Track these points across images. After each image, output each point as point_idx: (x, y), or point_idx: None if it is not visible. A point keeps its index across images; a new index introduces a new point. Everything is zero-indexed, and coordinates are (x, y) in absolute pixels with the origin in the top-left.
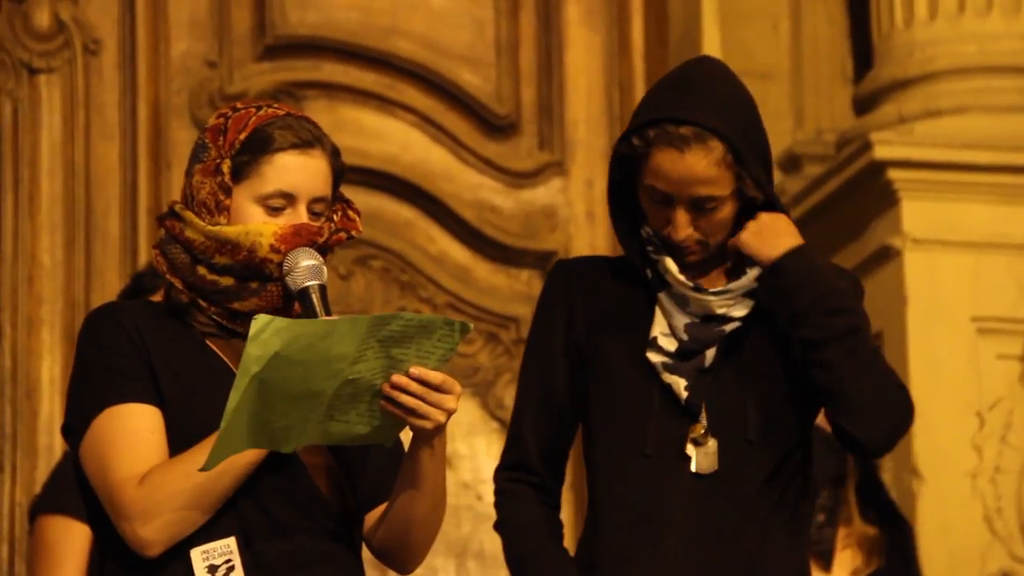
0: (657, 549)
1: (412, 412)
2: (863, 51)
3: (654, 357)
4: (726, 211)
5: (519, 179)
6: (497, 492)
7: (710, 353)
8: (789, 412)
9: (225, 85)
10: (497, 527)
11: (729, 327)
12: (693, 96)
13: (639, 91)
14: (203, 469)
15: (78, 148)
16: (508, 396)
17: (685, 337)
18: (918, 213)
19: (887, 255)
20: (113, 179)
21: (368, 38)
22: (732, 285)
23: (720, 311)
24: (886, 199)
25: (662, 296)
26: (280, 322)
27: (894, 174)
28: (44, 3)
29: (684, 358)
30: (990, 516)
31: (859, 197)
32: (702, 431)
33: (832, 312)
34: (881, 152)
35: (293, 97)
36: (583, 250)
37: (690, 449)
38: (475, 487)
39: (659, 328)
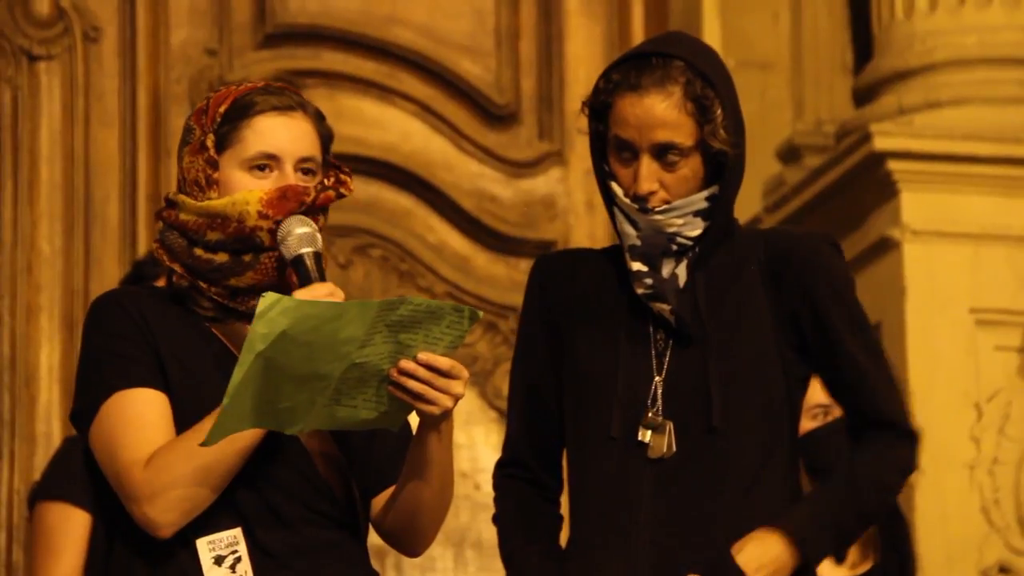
0: (623, 535)
1: (419, 397)
2: (863, 42)
3: (639, 288)
4: (690, 165)
5: (519, 168)
6: (493, 488)
7: (681, 272)
8: (764, 388)
9: (225, 73)
10: (495, 523)
11: (681, 240)
12: (662, 41)
13: None
14: (204, 444)
15: (78, 135)
16: (506, 385)
17: (638, 243)
18: (917, 204)
19: (886, 246)
20: (113, 167)
21: (368, 27)
22: (678, 203)
23: (670, 230)
24: (885, 190)
25: (618, 221)
26: (288, 301)
27: (893, 165)
28: None
29: (652, 268)
30: (988, 508)
31: (858, 188)
32: (654, 415)
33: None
34: (881, 143)
35: (293, 85)
36: (582, 240)
37: (644, 434)
38: (473, 476)
39: (627, 256)
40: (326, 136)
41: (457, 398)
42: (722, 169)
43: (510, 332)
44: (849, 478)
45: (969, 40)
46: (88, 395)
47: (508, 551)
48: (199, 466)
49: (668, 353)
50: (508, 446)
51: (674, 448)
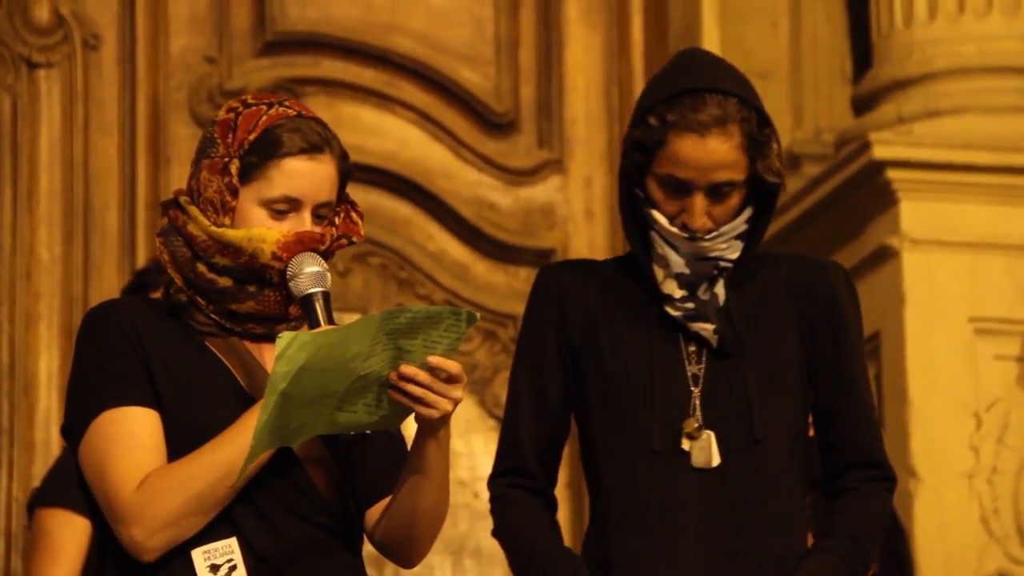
0: (673, 548)
1: (419, 401)
2: (862, 51)
3: (672, 311)
4: (738, 195)
5: (518, 177)
6: (495, 498)
7: (720, 291)
8: (792, 403)
9: (224, 81)
10: (498, 533)
11: (723, 263)
12: (711, 70)
13: (638, 89)
14: (234, 486)
15: (77, 143)
16: (505, 394)
17: (687, 271)
18: (916, 213)
19: (885, 255)
20: (112, 174)
21: (368, 35)
22: (724, 228)
23: (713, 254)
24: (884, 199)
25: (658, 246)
26: (304, 336)
27: (893, 174)
28: None
29: (692, 292)
30: (987, 517)
31: (858, 197)
32: (696, 425)
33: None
34: (880, 152)
35: (292, 93)
36: (581, 248)
37: (686, 444)
38: (472, 485)
39: (660, 277)
40: (346, 174)
41: (456, 402)
42: (757, 189)
43: (509, 340)
44: (850, 546)
45: (968, 49)
46: (78, 411)
47: (528, 555)
48: (192, 495)
49: (703, 366)
50: (509, 456)
51: (719, 459)
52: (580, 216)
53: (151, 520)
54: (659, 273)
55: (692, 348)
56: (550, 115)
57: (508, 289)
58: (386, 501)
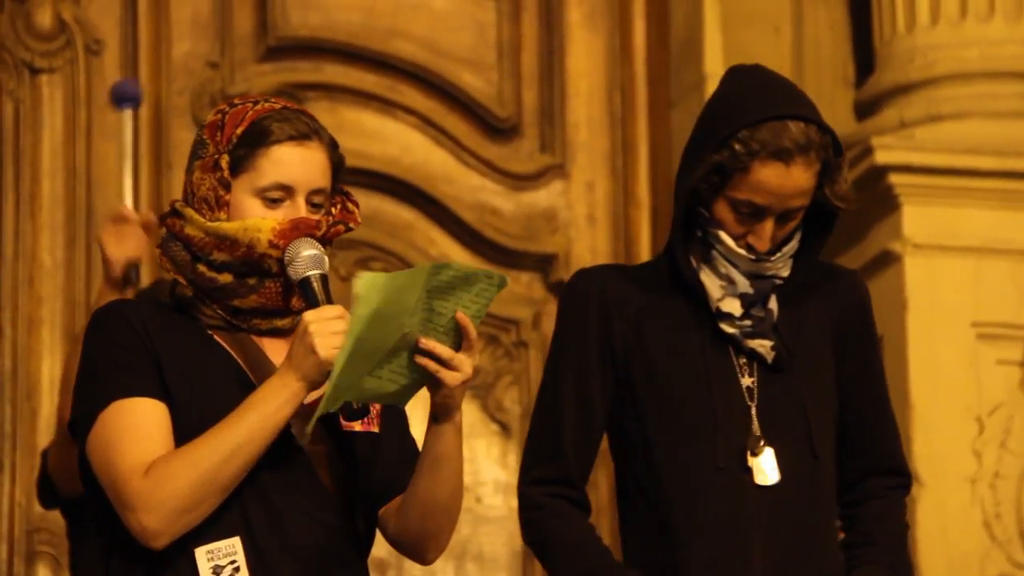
0: (743, 562)
1: (447, 364)
2: (864, 56)
3: (729, 328)
4: (800, 218)
5: (520, 182)
6: (535, 507)
7: (774, 307)
8: (834, 415)
9: (227, 86)
10: (539, 543)
11: (777, 281)
12: (787, 94)
13: (640, 94)
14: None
15: (79, 148)
16: (508, 399)
17: (751, 291)
18: (919, 218)
19: (887, 260)
20: (114, 180)
21: (369, 40)
22: (785, 249)
23: (770, 272)
24: (887, 204)
25: (718, 264)
26: (380, 277)
27: (895, 179)
28: (46, 3)
29: (749, 310)
30: (989, 522)
31: (860, 201)
32: (759, 442)
33: None
34: (882, 157)
35: (294, 99)
36: (583, 253)
37: (750, 460)
38: (475, 489)
39: (716, 295)
40: (338, 163)
41: (475, 370)
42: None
43: (511, 345)
44: (897, 556)
45: (970, 54)
46: (86, 404)
47: (583, 569)
48: (199, 478)
49: (756, 380)
50: (552, 465)
51: (779, 475)
52: (582, 221)
53: (159, 506)
54: (716, 291)
55: (743, 361)
56: (552, 120)
57: (510, 294)
58: (399, 499)
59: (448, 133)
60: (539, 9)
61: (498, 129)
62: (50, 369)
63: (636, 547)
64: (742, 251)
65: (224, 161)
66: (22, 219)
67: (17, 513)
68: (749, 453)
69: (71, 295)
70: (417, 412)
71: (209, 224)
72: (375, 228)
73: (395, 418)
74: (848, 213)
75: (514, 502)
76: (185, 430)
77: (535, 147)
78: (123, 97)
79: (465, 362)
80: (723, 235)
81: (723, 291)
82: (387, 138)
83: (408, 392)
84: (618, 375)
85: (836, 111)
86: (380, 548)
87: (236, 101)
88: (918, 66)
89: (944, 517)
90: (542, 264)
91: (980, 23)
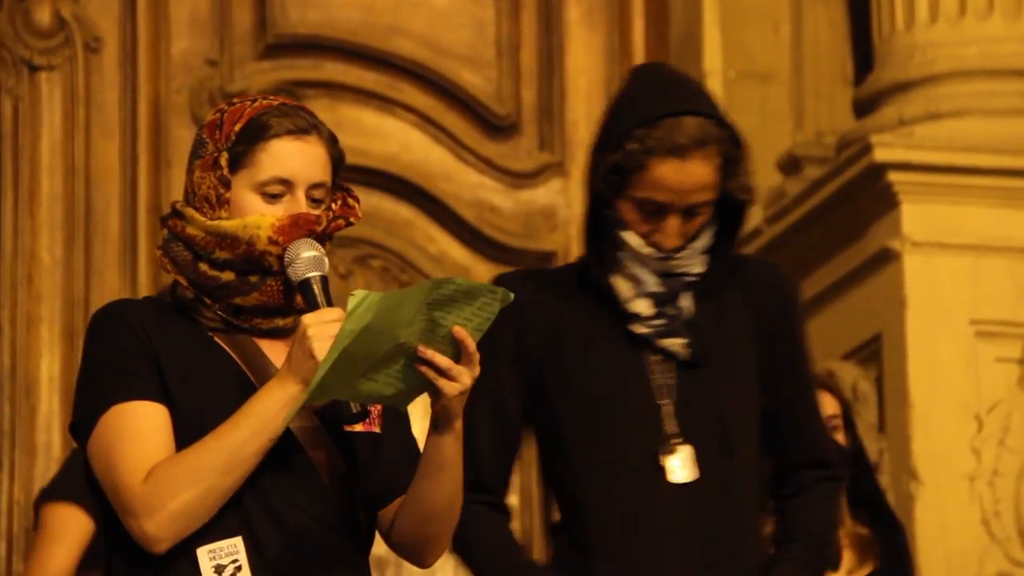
0: (655, 563)
1: (445, 373)
2: (864, 53)
3: (640, 328)
4: (708, 213)
5: (519, 179)
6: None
7: (688, 304)
8: (755, 409)
9: (226, 84)
10: (461, 548)
11: (689, 278)
12: (684, 90)
13: None
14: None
15: (78, 146)
16: None
17: (661, 289)
18: (918, 216)
19: (887, 258)
20: (113, 177)
21: (369, 37)
22: (694, 245)
23: (679, 269)
24: (886, 201)
25: (625, 265)
26: (373, 296)
27: (894, 176)
28: (45, 1)
29: (661, 309)
30: (988, 519)
31: (859, 199)
32: (672, 440)
33: None
34: (881, 154)
35: (293, 96)
36: (582, 251)
37: (662, 459)
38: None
39: (626, 296)
40: (337, 158)
41: (473, 379)
42: (722, 202)
43: None
44: (815, 552)
45: (969, 52)
46: (87, 407)
47: (501, 572)
48: (200, 483)
49: (670, 378)
50: (469, 470)
51: (697, 473)
52: (581, 219)
53: (160, 511)
54: (626, 292)
55: (659, 360)
56: (551, 118)
57: None
58: (400, 500)
59: (447, 131)
60: (538, 7)
61: (497, 127)
62: (48, 367)
63: (558, 547)
64: (649, 250)
65: (223, 159)
66: (21, 216)
67: (16, 511)
68: (660, 452)
69: (70, 293)
70: (416, 410)
71: (209, 223)
72: (374, 226)
73: (396, 419)
74: (847, 211)
75: (514, 501)
76: (185, 433)
77: (534, 145)
78: None
79: (464, 373)
80: (628, 236)
81: (633, 291)
82: (386, 136)
83: (407, 396)
84: (532, 380)
85: (835, 109)
86: (379, 546)
87: (235, 100)
88: (917, 64)
89: (943, 515)
90: (541, 261)
91: (979, 21)
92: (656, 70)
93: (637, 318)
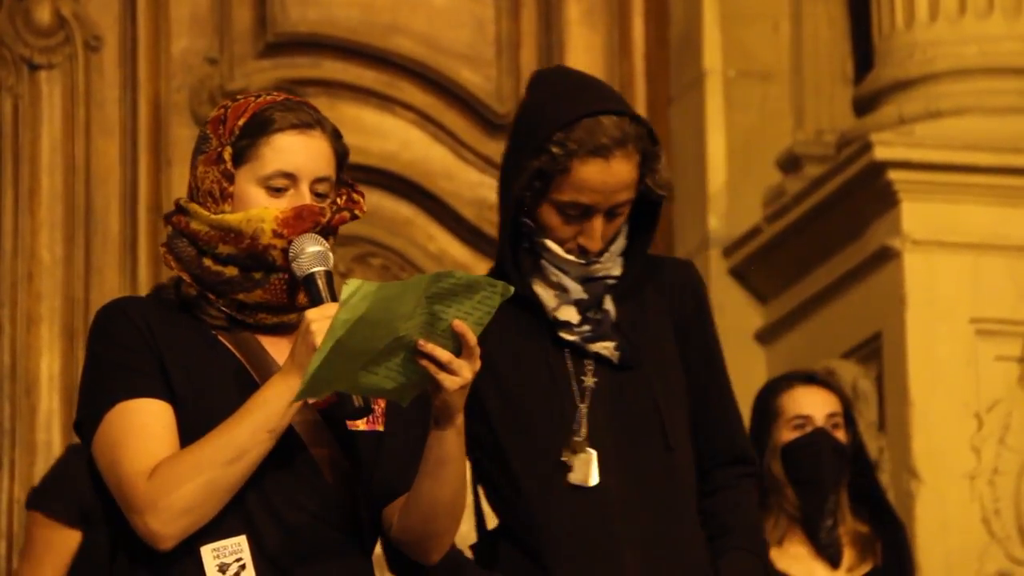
0: (607, 561)
1: (445, 367)
2: (864, 52)
3: (568, 336)
4: (626, 213)
5: None
6: None
7: (610, 307)
8: (686, 404)
9: (226, 82)
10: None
11: (609, 281)
12: (596, 91)
13: (639, 90)
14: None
15: (78, 145)
16: None
17: (585, 296)
18: (918, 214)
19: (886, 256)
20: (113, 176)
21: (369, 36)
22: (613, 247)
23: (600, 273)
24: (886, 200)
25: (547, 271)
26: (369, 286)
27: (894, 175)
28: None
29: (586, 315)
30: (988, 518)
31: (859, 198)
32: (580, 440)
33: None
34: (881, 153)
35: (294, 94)
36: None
37: (567, 456)
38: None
39: (551, 304)
40: (341, 154)
41: (474, 373)
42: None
43: None
44: (758, 541)
45: (969, 50)
46: (91, 405)
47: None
48: (204, 480)
49: (601, 382)
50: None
51: (597, 478)
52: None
53: (165, 509)
54: (551, 301)
55: (589, 364)
56: None
57: None
58: (404, 498)
59: (447, 129)
60: (538, 6)
61: (497, 125)
62: (48, 366)
63: (504, 554)
64: (571, 257)
65: (227, 153)
66: (21, 215)
67: (16, 510)
68: (568, 452)
69: (70, 291)
70: None
71: (213, 217)
72: (374, 224)
73: (399, 416)
74: (847, 209)
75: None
76: (189, 430)
77: None
78: None
79: (464, 367)
80: (550, 243)
81: (557, 300)
82: (386, 134)
83: (408, 391)
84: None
85: (835, 107)
86: (380, 546)
87: (238, 97)
88: (917, 62)
89: (943, 513)
90: None
91: (979, 19)
92: (560, 73)
93: (565, 325)
